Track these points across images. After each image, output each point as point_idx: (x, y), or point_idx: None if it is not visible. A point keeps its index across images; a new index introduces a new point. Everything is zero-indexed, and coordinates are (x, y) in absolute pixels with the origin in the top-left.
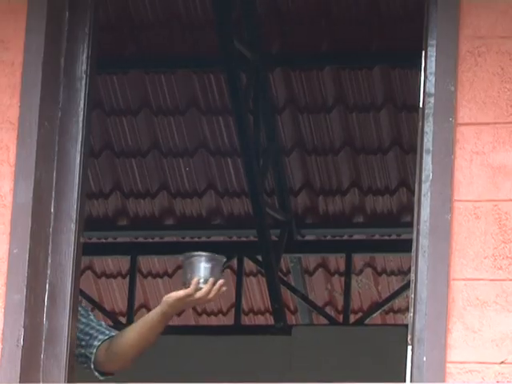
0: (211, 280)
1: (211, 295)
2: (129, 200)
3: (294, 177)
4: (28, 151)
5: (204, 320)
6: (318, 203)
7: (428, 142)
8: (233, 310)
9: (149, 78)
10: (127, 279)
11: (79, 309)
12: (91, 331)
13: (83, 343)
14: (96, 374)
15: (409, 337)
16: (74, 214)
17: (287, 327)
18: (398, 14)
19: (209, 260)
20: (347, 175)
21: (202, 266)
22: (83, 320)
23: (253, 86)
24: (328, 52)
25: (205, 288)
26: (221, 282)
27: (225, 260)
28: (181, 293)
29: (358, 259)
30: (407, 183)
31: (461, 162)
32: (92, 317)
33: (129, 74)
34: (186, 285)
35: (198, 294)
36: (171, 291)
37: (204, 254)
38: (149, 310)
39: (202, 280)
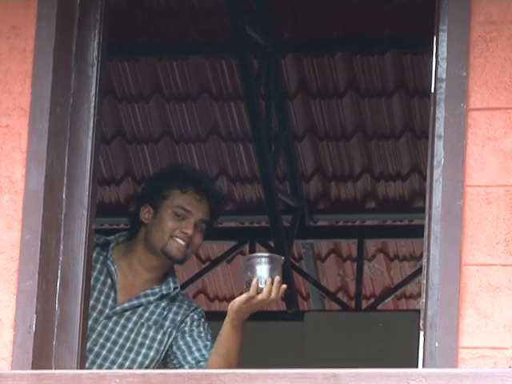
0: (269, 280)
1: (273, 295)
2: (140, 186)
3: (305, 162)
4: (40, 138)
5: (216, 306)
6: (329, 189)
7: (440, 127)
8: None
9: (160, 64)
10: None
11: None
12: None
13: (174, 360)
14: None
15: (421, 322)
16: (85, 201)
17: (299, 313)
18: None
19: (267, 261)
20: (359, 161)
21: (261, 267)
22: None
23: (264, 72)
24: (340, 38)
25: (265, 288)
26: (278, 279)
27: (283, 259)
28: (243, 296)
29: (370, 245)
30: (419, 169)
31: (473, 148)
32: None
33: (140, 61)
34: (247, 288)
35: (260, 296)
36: (184, 277)
37: (263, 254)
38: None
39: (262, 280)
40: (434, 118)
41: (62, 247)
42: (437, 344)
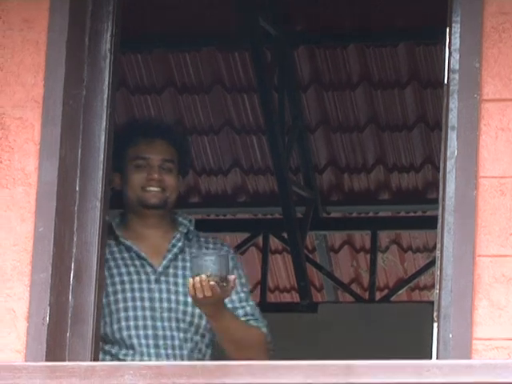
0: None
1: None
2: None
3: (319, 154)
4: (53, 130)
5: None
6: (343, 180)
7: (453, 118)
8: (259, 287)
9: (173, 56)
10: None
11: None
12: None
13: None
14: None
15: (435, 314)
16: (99, 192)
17: (313, 305)
18: None
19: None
20: (372, 152)
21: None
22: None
23: (277, 64)
24: (352, 29)
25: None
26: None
27: (222, 252)
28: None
29: (384, 236)
30: (432, 160)
31: (486, 139)
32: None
33: (153, 53)
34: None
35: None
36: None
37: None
38: None
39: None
40: (447, 109)
41: (75, 239)
42: (450, 335)
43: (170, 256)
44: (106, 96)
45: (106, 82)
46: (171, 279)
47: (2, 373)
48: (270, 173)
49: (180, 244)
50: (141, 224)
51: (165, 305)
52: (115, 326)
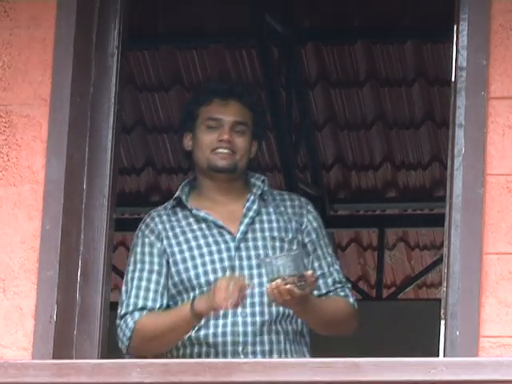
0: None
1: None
2: (161, 176)
3: (326, 152)
4: (60, 127)
5: None
6: (350, 178)
7: (460, 116)
8: None
9: (180, 53)
10: None
11: None
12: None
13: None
14: None
15: (442, 311)
16: (106, 190)
17: None
18: None
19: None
20: (379, 150)
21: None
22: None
23: (284, 61)
24: (360, 27)
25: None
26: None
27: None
28: None
29: (391, 234)
30: (440, 158)
31: (493, 136)
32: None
33: (160, 50)
34: None
35: None
36: None
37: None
38: None
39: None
40: (455, 106)
41: (82, 237)
42: (458, 333)
43: (246, 221)
44: (113, 93)
45: (114, 80)
46: (251, 244)
47: (10, 370)
48: (277, 170)
49: (255, 207)
50: (213, 189)
51: (246, 272)
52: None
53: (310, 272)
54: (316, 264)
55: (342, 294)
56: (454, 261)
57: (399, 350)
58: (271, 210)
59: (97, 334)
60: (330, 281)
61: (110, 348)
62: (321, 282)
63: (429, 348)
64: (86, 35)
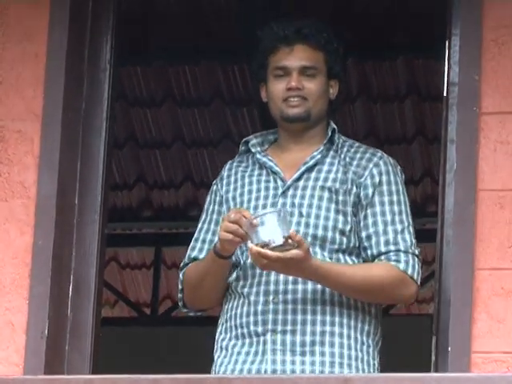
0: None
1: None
2: (153, 191)
3: None
4: (52, 143)
5: None
6: None
7: (452, 131)
8: None
9: (172, 69)
10: (152, 270)
11: None
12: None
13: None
14: None
15: (433, 327)
16: (98, 206)
17: None
18: (422, 3)
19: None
20: None
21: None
22: None
23: None
24: (351, 43)
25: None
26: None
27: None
28: None
29: None
30: (431, 173)
31: (485, 152)
32: None
33: (152, 66)
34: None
35: None
36: None
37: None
38: (173, 301)
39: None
40: (447, 122)
41: (74, 253)
42: (449, 348)
43: (303, 168)
44: (105, 109)
45: (106, 95)
46: (299, 192)
47: None
48: None
49: (319, 156)
50: (287, 139)
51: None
52: None
53: (292, 231)
54: (370, 220)
55: (393, 258)
56: (446, 276)
57: (391, 366)
58: (336, 160)
59: (88, 349)
60: (382, 240)
61: (101, 363)
62: (373, 241)
63: (421, 363)
64: (78, 50)
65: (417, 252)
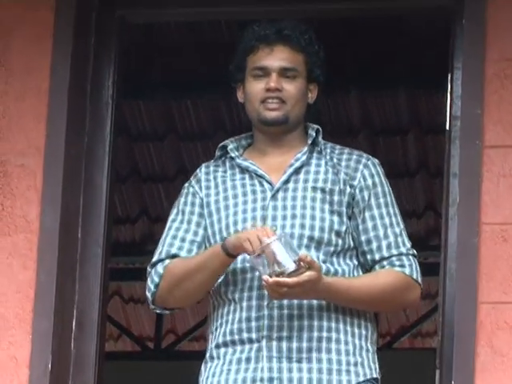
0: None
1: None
2: (156, 225)
3: None
4: (54, 177)
5: None
6: None
7: (455, 165)
8: None
9: (175, 103)
10: None
11: None
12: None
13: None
14: None
15: (437, 361)
16: (101, 240)
17: None
18: (424, 37)
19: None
20: None
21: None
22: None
23: None
24: (353, 76)
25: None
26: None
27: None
28: None
29: None
30: (434, 206)
31: (488, 185)
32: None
33: (155, 100)
34: None
35: None
36: (198, 317)
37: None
38: (177, 335)
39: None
40: (449, 155)
41: (77, 287)
42: (453, 382)
43: (291, 170)
44: (107, 143)
45: (108, 129)
46: (289, 194)
47: None
48: None
49: (304, 158)
50: (264, 141)
51: (280, 222)
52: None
53: (303, 254)
54: (370, 225)
55: (398, 263)
56: (449, 310)
57: None
58: (323, 161)
59: (92, 383)
60: (384, 245)
61: None
62: (374, 245)
63: None
64: (80, 85)
65: (415, 252)
